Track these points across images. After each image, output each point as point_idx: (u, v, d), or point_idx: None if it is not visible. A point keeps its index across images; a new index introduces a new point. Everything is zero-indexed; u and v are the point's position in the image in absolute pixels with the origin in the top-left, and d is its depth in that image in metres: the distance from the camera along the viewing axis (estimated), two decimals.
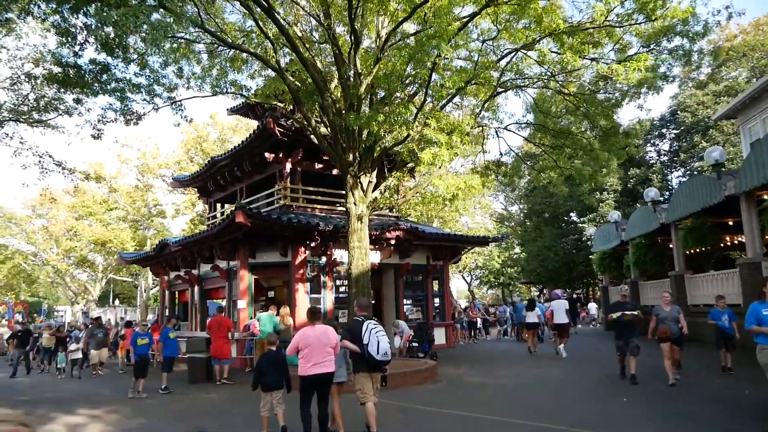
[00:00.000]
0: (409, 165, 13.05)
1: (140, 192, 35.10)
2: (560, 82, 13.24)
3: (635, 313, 9.42)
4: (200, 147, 32.46)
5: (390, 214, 18.72)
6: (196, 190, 22.31)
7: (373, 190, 12.48)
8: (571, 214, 41.85)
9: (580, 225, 35.54)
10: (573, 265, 39.25)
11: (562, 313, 14.00)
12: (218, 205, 20.91)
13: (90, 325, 18.65)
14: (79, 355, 15.22)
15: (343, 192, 18.15)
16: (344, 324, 10.86)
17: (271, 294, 19.94)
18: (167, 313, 20.00)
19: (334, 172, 17.81)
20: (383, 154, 12.40)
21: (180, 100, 13.33)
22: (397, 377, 10.39)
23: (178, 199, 35.21)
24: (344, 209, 17.68)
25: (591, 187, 28.68)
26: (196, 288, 18.16)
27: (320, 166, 17.58)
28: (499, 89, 12.56)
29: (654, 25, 10.92)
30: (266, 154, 16.52)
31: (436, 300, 18.77)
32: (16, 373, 15.32)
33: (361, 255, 11.97)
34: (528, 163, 17.00)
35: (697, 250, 16.17)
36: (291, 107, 16.04)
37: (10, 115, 12.66)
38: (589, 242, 33.45)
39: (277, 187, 16.57)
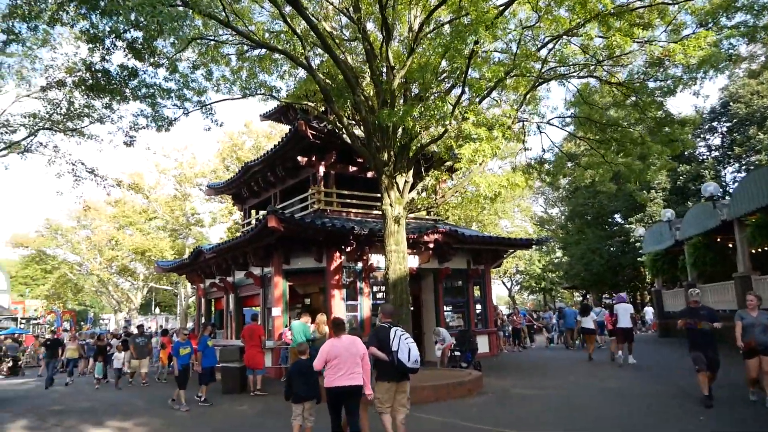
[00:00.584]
0: (447, 163, 12.37)
1: (178, 201, 35.49)
2: (607, 70, 12.37)
3: (716, 325, 7.90)
4: (235, 155, 32.56)
5: (427, 217, 18.05)
6: (231, 197, 22.18)
7: (410, 191, 11.87)
8: (615, 215, 40.21)
9: (627, 226, 33.93)
10: (619, 269, 37.59)
11: (627, 317, 13.09)
12: (253, 212, 20.68)
13: (130, 334, 18.57)
14: (120, 365, 14.88)
15: (379, 195, 17.60)
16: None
17: (307, 301, 19.57)
18: (203, 321, 19.83)
19: (369, 174, 17.32)
20: (419, 153, 11.77)
21: (209, 104, 13.07)
22: (440, 389, 9.72)
23: (215, 207, 35.46)
24: (380, 212, 17.18)
25: (638, 186, 27.38)
26: (231, 295, 17.89)
27: (354, 168, 17.09)
28: (541, 80, 11.79)
29: (713, 1, 9.97)
30: (299, 158, 16.13)
31: (478, 306, 17.97)
32: (51, 383, 15.10)
33: (398, 259, 11.36)
34: (572, 160, 16.06)
35: (764, 248, 14.89)
36: (323, 108, 15.66)
37: (44, 124, 12.64)
38: (637, 243, 31.89)
39: (310, 192, 16.15)
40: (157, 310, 51.40)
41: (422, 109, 10.17)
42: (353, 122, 12.67)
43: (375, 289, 15.39)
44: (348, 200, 16.50)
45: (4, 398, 14.31)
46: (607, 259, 36.95)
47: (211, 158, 34.30)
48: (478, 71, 11.22)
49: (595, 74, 12.20)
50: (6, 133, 12.30)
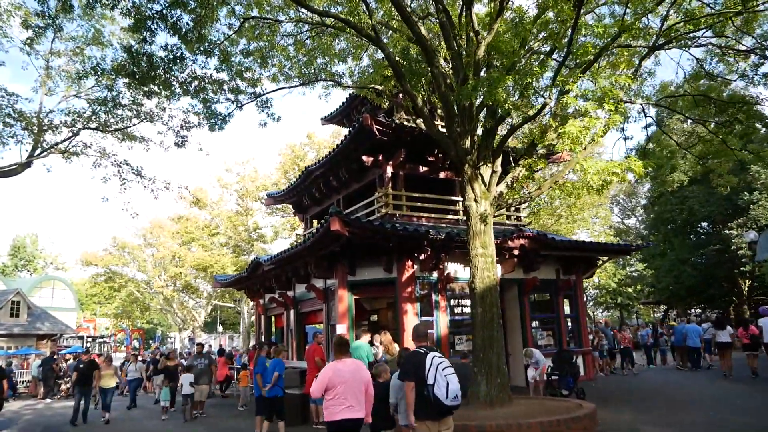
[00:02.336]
0: (540, 149, 10.35)
1: (240, 216, 34.91)
2: (738, 27, 10.09)
3: None
4: (297, 167, 31.57)
5: (507, 222, 15.99)
6: (291, 206, 20.89)
7: (498, 183, 9.93)
8: (702, 223, 36.33)
9: (727, 232, 30.21)
10: (712, 281, 33.68)
11: None
12: (314, 222, 19.27)
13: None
14: (191, 389, 12.62)
15: (454, 198, 15.80)
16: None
17: (373, 318, 17.83)
18: (262, 339, 18.46)
19: (442, 175, 15.52)
20: (510, 136, 9.86)
21: (264, 94, 11.74)
22: (550, 427, 7.62)
23: (277, 221, 34.60)
24: (455, 218, 15.35)
25: (736, 187, 23.96)
26: (291, 311, 16.41)
27: (425, 169, 15.31)
28: (659, 44, 9.65)
29: None
30: (364, 158, 14.51)
31: (567, 322, 15.61)
32: (76, 419, 12.02)
33: (486, 264, 9.43)
34: (685, 148, 13.62)
35: None
36: (388, 104, 14.05)
37: (87, 123, 11.67)
38: (740, 251, 28.30)
39: (377, 195, 14.46)
40: (221, 328, 51.23)
41: (516, 78, 8.28)
42: (427, 104, 10.86)
43: (453, 302, 13.44)
44: (419, 204, 14.69)
45: (47, 425, 13.29)
46: (701, 270, 33.21)
47: (272, 171, 33.54)
48: (581, 34, 9.24)
49: (725, 33, 9.92)
50: (50, 132, 11.40)
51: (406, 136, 14.12)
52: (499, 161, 9.83)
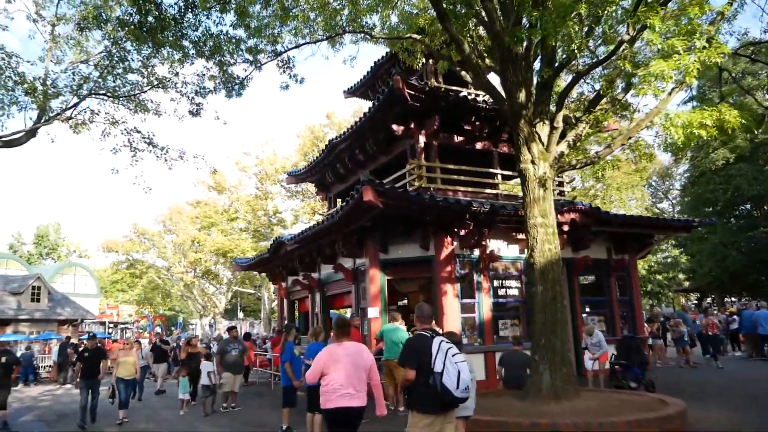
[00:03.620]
0: (606, 104, 8.89)
1: (260, 201, 33.89)
2: None
3: None
4: (317, 149, 30.37)
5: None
6: (314, 184, 19.65)
7: (559, 142, 8.52)
8: (746, 205, 34.22)
9: None
10: (760, 265, 31.63)
11: None
12: (338, 201, 18.04)
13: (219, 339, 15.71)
14: (209, 380, 11.20)
15: (492, 170, 14.42)
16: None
17: (402, 302, 16.58)
18: (285, 323, 17.34)
19: (479, 146, 14.11)
20: (576, 83, 8.43)
21: (286, 51, 10.44)
22: (636, 427, 6.27)
23: (297, 205, 33.50)
24: (493, 192, 13.93)
25: None
26: (317, 294, 15.25)
27: (460, 139, 13.90)
28: None
29: None
30: (393, 127, 13.17)
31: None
32: (84, 418, 9.91)
33: (547, 236, 8.07)
34: None
35: None
36: (422, 64, 12.66)
37: (92, 88, 10.52)
38: None
39: (409, 166, 13.11)
40: (241, 315, 50.64)
41: (590, 6, 6.85)
42: (474, 50, 9.43)
43: (496, 283, 12.10)
44: (454, 176, 13.30)
45: (62, 413, 12.41)
46: (746, 254, 31.21)
47: (292, 153, 32.38)
48: None
49: None
50: (55, 101, 10.31)
51: (440, 102, 12.74)
52: (561, 115, 8.40)
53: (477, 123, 13.67)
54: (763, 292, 35.28)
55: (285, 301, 18.28)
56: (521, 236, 12.14)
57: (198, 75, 11.11)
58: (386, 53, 16.05)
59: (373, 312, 11.48)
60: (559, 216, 11.83)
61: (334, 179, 17.23)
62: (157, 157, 11.29)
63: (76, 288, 39.55)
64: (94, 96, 10.51)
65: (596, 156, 8.44)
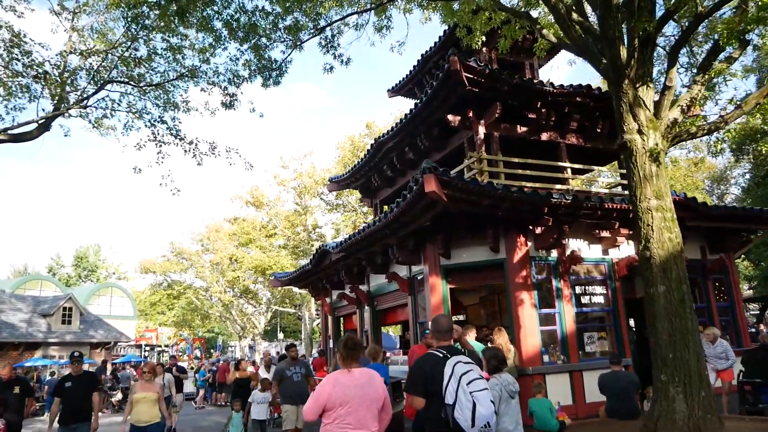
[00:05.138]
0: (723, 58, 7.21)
1: (299, 216, 32.82)
2: None
3: None
4: (358, 159, 29.22)
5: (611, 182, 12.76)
6: (358, 190, 18.27)
7: (671, 107, 6.88)
8: None
9: None
10: None
11: None
12: (385, 208, 16.64)
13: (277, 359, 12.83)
14: (264, 414, 9.36)
15: (561, 164, 12.80)
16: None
17: (459, 316, 14.91)
18: (332, 344, 15.88)
19: (544, 137, 12.47)
20: (696, 28, 6.81)
21: (329, 24, 9.16)
22: None
23: (338, 218, 32.27)
24: (564, 188, 12.24)
25: None
26: (366, 309, 13.76)
27: (523, 129, 12.29)
28: None
29: None
30: (449, 117, 11.68)
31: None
32: None
33: (666, 222, 6.43)
34: None
35: None
36: (482, 40, 11.25)
37: (113, 74, 9.44)
38: None
39: (468, 159, 11.58)
40: (281, 335, 49.50)
41: None
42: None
43: (578, 290, 10.37)
44: (519, 170, 11.68)
45: None
46: None
47: (331, 165, 31.23)
48: None
49: None
50: (69, 87, 9.25)
51: (502, 86, 11.22)
52: (674, 72, 6.78)
53: (542, 110, 12.06)
54: None
55: (329, 318, 16.84)
56: (605, 233, 10.46)
57: (231, 59, 9.90)
58: (435, 43, 14.73)
59: None
60: None
61: (381, 183, 15.83)
62: (186, 151, 10.10)
63: (112, 310, 39.03)
64: (114, 82, 9.42)
65: (722, 120, 6.75)
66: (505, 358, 5.29)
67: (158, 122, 9.73)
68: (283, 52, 9.78)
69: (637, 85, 6.72)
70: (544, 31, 8.12)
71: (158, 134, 9.70)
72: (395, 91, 17.36)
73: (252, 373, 11.81)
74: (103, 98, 9.62)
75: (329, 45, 9.53)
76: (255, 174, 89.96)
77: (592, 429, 7.21)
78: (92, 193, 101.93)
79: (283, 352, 15.67)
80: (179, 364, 18.30)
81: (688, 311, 6.24)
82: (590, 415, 9.35)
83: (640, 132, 6.59)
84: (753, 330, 17.14)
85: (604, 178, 15.92)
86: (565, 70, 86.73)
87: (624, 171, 13.00)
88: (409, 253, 10.63)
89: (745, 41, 6.95)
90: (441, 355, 3.61)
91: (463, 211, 9.25)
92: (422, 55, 15.34)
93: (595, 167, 13.97)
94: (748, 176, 38.63)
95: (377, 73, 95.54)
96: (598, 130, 12.80)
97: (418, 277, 11.01)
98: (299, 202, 32.70)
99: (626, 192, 12.71)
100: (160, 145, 9.73)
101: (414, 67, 15.77)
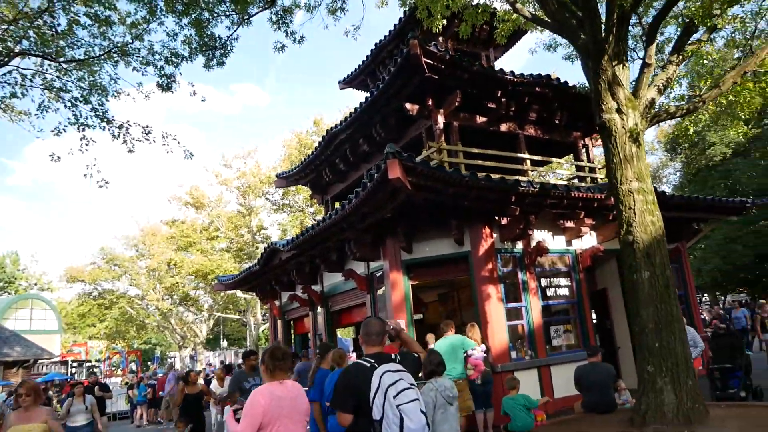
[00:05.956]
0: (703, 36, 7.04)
1: (242, 217, 31.44)
2: None
3: None
4: (304, 157, 28.25)
5: (580, 174, 12.69)
6: (308, 186, 17.41)
7: (650, 84, 6.61)
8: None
9: None
10: (763, 259, 30.50)
11: None
12: (336, 204, 15.91)
13: (230, 368, 11.73)
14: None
15: (521, 155, 12.55)
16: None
17: (417, 316, 14.38)
18: (320, 342, 14.97)
19: (504, 127, 12.18)
20: (674, 5, 6.55)
21: None
22: None
23: (284, 219, 31.12)
24: (523, 180, 11.87)
25: None
26: (319, 310, 13.01)
27: (483, 119, 11.94)
28: None
29: None
30: (407, 106, 11.15)
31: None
32: None
33: (647, 205, 6.17)
34: None
35: None
36: (443, 24, 10.77)
37: (22, 43, 8.25)
38: None
39: (428, 149, 11.07)
40: (225, 344, 47.51)
41: None
42: None
43: (543, 282, 10.06)
44: (479, 161, 11.30)
45: None
46: (752, 248, 30.03)
47: (277, 164, 30.05)
48: None
49: None
50: None
51: (463, 73, 10.81)
52: (653, 49, 6.51)
53: (502, 100, 11.75)
54: (762, 287, 34.21)
55: (278, 322, 15.93)
56: (569, 224, 10.24)
57: (168, 35, 8.94)
58: (390, 32, 14.21)
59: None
60: (608, 200, 9.97)
61: (333, 177, 15.12)
62: (114, 136, 8.95)
63: (33, 324, 35.32)
64: (27, 55, 8.19)
65: (700, 100, 6.54)
66: (442, 362, 4.94)
67: (81, 101, 8.55)
68: (228, 28, 8.94)
69: (616, 59, 6.41)
70: (518, 5, 7.71)
71: (80, 116, 8.56)
72: (347, 83, 16.73)
73: (203, 386, 10.67)
74: (10, 72, 8.36)
75: (281, 21, 8.78)
76: (195, 174, 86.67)
77: (571, 428, 6.82)
78: (9, 195, 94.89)
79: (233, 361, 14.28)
80: (102, 381, 16.70)
81: (673, 297, 5.97)
82: (560, 412, 9.02)
83: (619, 111, 6.28)
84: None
85: (559, 171, 15.92)
86: (519, 64, 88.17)
87: (581, 163, 13.06)
88: (367, 248, 9.99)
89: (713, 26, 6.80)
90: (368, 365, 3.25)
91: (426, 201, 8.71)
92: (376, 44, 14.79)
93: (554, 159, 13.83)
94: (678, 174, 40.72)
95: (324, 71, 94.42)
96: (557, 122, 12.66)
97: (377, 274, 10.39)
98: (243, 203, 31.34)
99: (583, 184, 12.66)
100: (83, 129, 8.57)
101: (367, 56, 15.19)
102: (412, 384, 3.21)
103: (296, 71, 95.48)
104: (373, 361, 3.28)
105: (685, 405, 5.56)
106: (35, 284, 52.13)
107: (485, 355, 7.79)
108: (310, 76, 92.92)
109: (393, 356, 3.41)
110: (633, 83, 6.66)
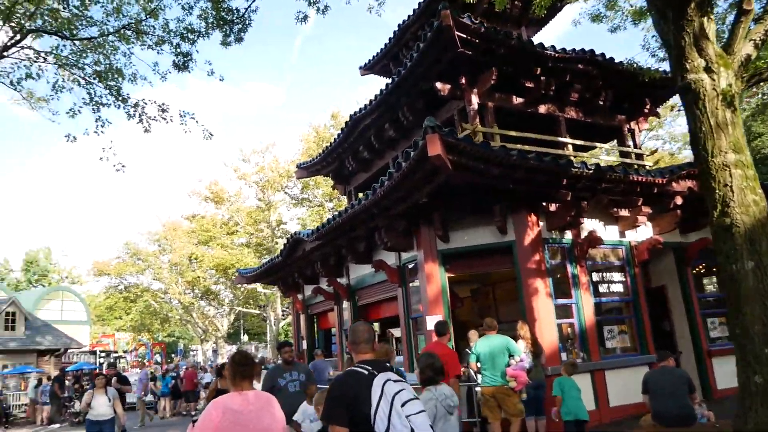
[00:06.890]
0: None
1: (261, 211, 30.84)
2: None
3: None
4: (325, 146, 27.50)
5: (627, 160, 11.57)
6: (330, 176, 16.57)
7: (746, 38, 5.57)
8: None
9: None
10: None
11: None
12: (360, 195, 15.02)
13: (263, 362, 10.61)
14: None
15: (561, 139, 11.56)
16: None
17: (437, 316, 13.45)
18: (304, 345, 14.23)
19: (542, 109, 11.16)
20: None
21: None
22: None
23: (303, 213, 30.43)
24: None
25: None
26: (345, 304, 12.18)
27: (520, 100, 10.94)
28: None
29: None
30: (438, 86, 10.21)
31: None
32: None
33: (747, 182, 5.14)
34: None
35: None
36: None
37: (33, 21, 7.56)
38: None
39: (463, 133, 10.09)
40: (245, 338, 47.21)
41: None
42: None
43: (595, 277, 9.04)
44: (518, 145, 10.28)
45: None
46: None
47: (295, 158, 29.33)
48: None
49: None
50: None
51: (499, 49, 9.84)
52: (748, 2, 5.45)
53: (541, 79, 10.72)
54: None
55: (301, 316, 15.15)
56: (624, 212, 9.20)
57: (184, 8, 8.16)
58: (414, 11, 13.23)
59: (432, 321, 8.37)
60: (674, 184, 8.90)
61: (356, 167, 14.24)
62: (130, 115, 8.25)
63: (63, 315, 36.00)
64: (41, 32, 7.53)
65: None
66: (442, 367, 4.30)
67: (94, 79, 7.85)
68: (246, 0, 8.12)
69: (699, 13, 5.38)
70: None
71: (94, 94, 7.87)
72: (368, 69, 15.81)
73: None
74: (23, 49, 7.69)
75: None
76: (214, 169, 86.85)
77: None
78: (42, 194, 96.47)
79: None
80: (122, 373, 16.19)
81: None
82: (615, 421, 8.07)
83: (708, 70, 5.25)
84: None
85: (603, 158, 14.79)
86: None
87: (626, 149, 11.97)
88: (400, 237, 9.11)
89: None
90: (366, 373, 2.89)
91: (466, 184, 7.80)
92: (399, 24, 13.80)
93: (597, 144, 12.73)
94: None
95: (339, 67, 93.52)
96: (600, 103, 11.61)
97: (410, 266, 9.51)
98: (262, 198, 30.72)
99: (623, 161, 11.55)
100: (98, 109, 7.88)
101: (390, 39, 14.24)
102: (414, 396, 2.87)
103: (310, 72, 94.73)
104: (371, 368, 2.90)
105: None
106: (66, 277, 53.04)
107: (527, 366, 6.80)
108: (321, 82, 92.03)
109: (389, 364, 2.99)
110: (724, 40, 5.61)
